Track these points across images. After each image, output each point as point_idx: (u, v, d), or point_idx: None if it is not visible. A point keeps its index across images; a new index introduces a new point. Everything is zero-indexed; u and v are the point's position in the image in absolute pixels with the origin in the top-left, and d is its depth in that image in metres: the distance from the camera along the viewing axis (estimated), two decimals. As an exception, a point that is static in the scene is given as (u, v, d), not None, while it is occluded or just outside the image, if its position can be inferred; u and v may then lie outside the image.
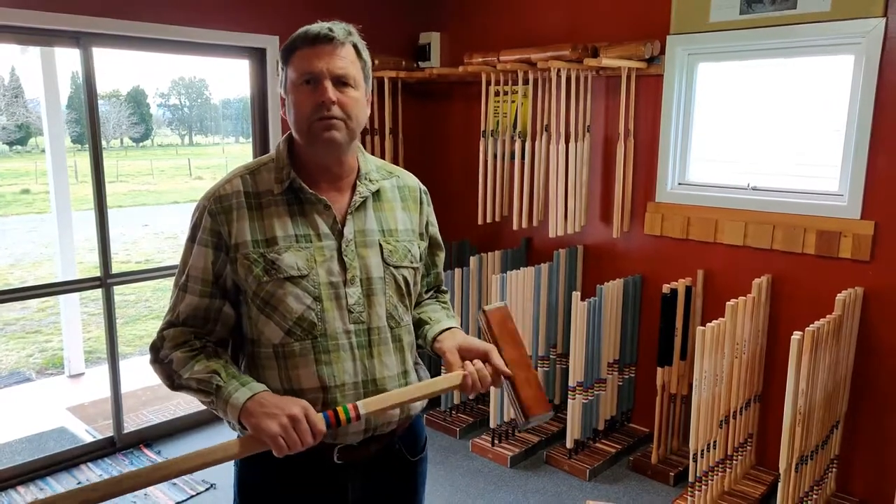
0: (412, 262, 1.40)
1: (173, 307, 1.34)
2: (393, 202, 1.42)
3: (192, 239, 1.33)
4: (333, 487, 1.37)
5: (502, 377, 1.33)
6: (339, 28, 1.29)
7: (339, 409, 1.23)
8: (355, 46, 1.32)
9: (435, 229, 1.52)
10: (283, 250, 1.28)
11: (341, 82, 1.27)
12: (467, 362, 1.32)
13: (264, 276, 1.27)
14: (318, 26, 1.28)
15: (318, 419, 1.20)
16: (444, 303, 1.58)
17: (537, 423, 1.35)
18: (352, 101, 1.29)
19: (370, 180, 1.39)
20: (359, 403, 1.24)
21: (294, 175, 1.32)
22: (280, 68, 1.33)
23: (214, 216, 1.30)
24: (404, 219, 1.42)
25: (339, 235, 1.32)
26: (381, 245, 1.36)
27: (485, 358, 1.33)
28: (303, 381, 1.29)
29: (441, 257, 1.56)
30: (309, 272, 1.29)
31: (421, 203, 1.48)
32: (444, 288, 1.61)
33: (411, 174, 1.51)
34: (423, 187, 1.51)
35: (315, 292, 1.29)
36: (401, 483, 1.47)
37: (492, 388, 1.38)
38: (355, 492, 1.39)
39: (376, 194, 1.40)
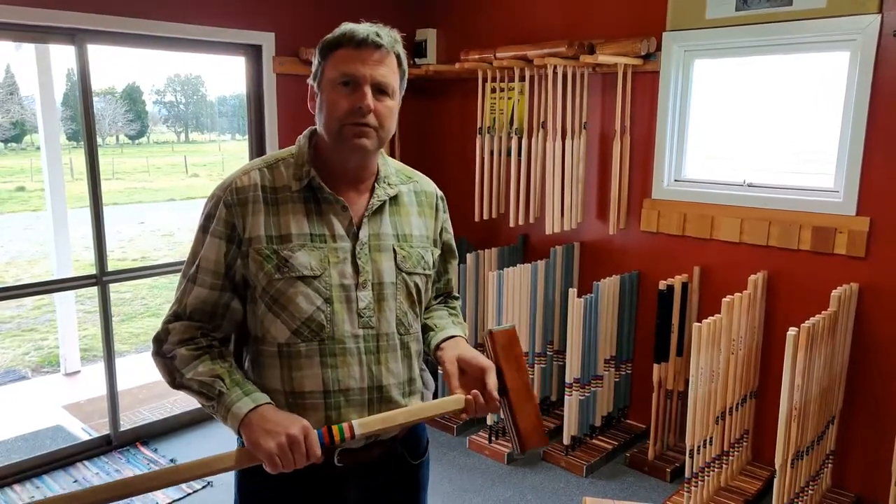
0: (425, 269, 1.38)
1: (180, 298, 1.30)
2: (409, 207, 1.39)
3: (204, 229, 1.29)
4: (333, 491, 1.35)
5: (497, 401, 1.30)
6: (386, 34, 1.26)
7: (335, 428, 1.21)
8: (398, 56, 1.29)
9: (449, 236, 1.49)
10: (297, 248, 1.26)
11: (380, 90, 1.25)
12: (470, 394, 1.29)
13: (276, 273, 1.24)
14: (366, 29, 1.24)
15: (316, 442, 1.18)
16: (453, 308, 1.55)
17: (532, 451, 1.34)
18: (387, 111, 1.27)
19: (389, 184, 1.36)
20: (355, 423, 1.22)
21: (314, 173, 1.29)
22: (316, 61, 1.29)
23: (230, 207, 1.27)
24: (419, 225, 1.39)
25: (353, 238, 1.30)
26: (395, 250, 1.33)
27: (481, 376, 1.30)
28: (306, 384, 1.27)
29: (454, 264, 1.53)
30: (321, 273, 1.26)
31: (437, 209, 1.45)
32: (455, 294, 1.58)
33: (429, 179, 1.49)
34: (440, 193, 1.48)
35: (326, 294, 1.26)
36: (402, 487, 1.45)
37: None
38: (356, 495, 1.37)
39: (394, 199, 1.37)
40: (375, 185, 1.35)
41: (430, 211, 1.43)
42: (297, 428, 1.17)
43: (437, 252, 1.44)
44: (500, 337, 1.36)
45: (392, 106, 1.28)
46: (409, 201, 1.40)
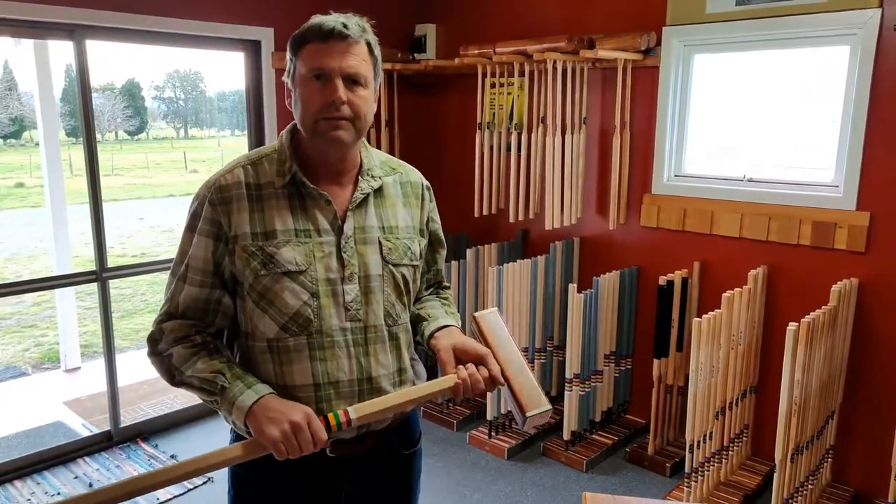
0: (412, 260, 1.38)
1: (171, 298, 1.32)
2: (395, 198, 1.40)
3: (191, 228, 1.30)
4: (327, 480, 1.37)
5: (496, 383, 1.31)
6: (353, 24, 1.26)
7: (331, 415, 1.22)
8: (368, 44, 1.29)
9: (436, 226, 1.50)
10: (282, 244, 1.27)
11: (352, 80, 1.25)
12: (461, 367, 1.30)
13: (262, 269, 1.26)
14: (333, 20, 1.24)
15: (320, 427, 1.20)
16: (445, 299, 1.55)
17: (537, 420, 1.30)
18: (361, 101, 1.27)
19: (372, 176, 1.37)
20: (350, 409, 1.23)
21: (296, 169, 1.30)
22: (288, 58, 1.30)
23: (215, 206, 1.28)
24: (405, 215, 1.40)
25: (338, 231, 1.30)
26: (380, 242, 1.34)
27: (480, 362, 1.31)
28: (296, 378, 1.28)
29: (442, 254, 1.54)
30: (307, 268, 1.27)
31: (423, 199, 1.45)
32: (445, 284, 1.59)
33: (415, 169, 1.49)
34: (427, 183, 1.48)
35: (312, 288, 1.27)
36: (394, 476, 1.47)
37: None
38: (349, 485, 1.39)
39: (378, 191, 1.37)
40: (359, 177, 1.35)
41: (415, 201, 1.44)
42: (299, 415, 1.19)
43: (424, 242, 1.44)
44: (485, 320, 1.38)
45: (366, 95, 1.28)
46: (395, 193, 1.41)
